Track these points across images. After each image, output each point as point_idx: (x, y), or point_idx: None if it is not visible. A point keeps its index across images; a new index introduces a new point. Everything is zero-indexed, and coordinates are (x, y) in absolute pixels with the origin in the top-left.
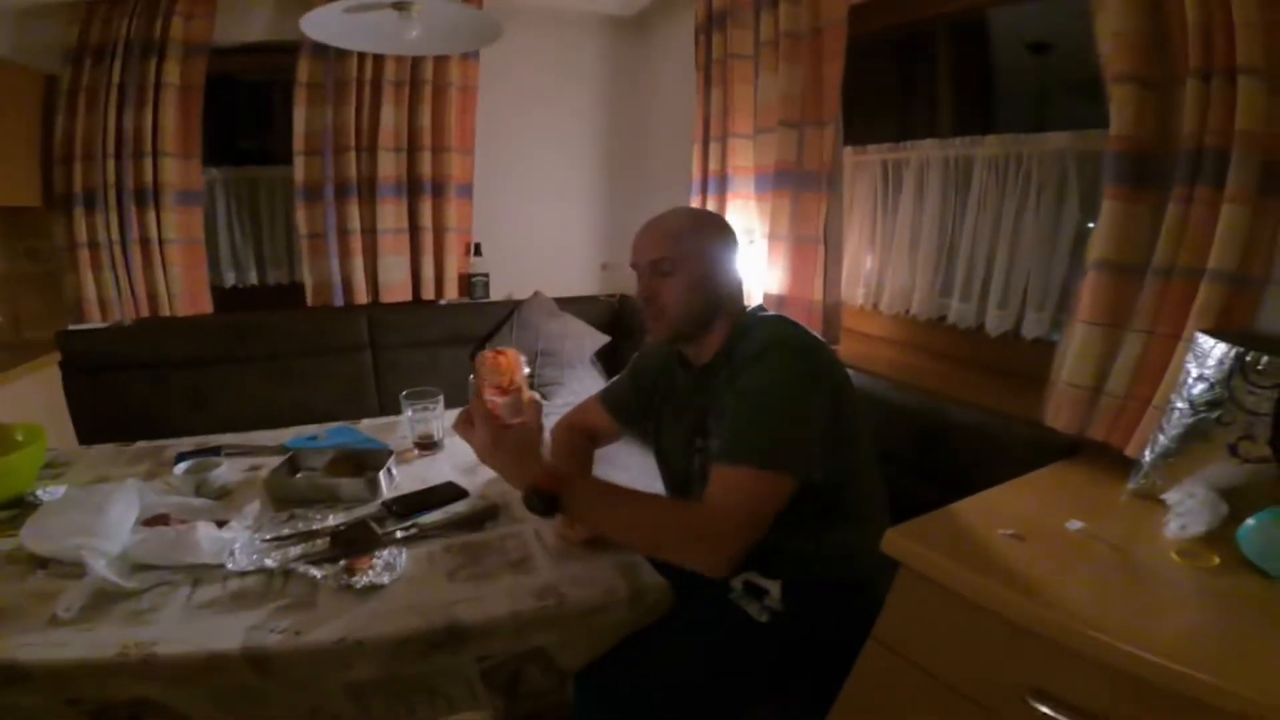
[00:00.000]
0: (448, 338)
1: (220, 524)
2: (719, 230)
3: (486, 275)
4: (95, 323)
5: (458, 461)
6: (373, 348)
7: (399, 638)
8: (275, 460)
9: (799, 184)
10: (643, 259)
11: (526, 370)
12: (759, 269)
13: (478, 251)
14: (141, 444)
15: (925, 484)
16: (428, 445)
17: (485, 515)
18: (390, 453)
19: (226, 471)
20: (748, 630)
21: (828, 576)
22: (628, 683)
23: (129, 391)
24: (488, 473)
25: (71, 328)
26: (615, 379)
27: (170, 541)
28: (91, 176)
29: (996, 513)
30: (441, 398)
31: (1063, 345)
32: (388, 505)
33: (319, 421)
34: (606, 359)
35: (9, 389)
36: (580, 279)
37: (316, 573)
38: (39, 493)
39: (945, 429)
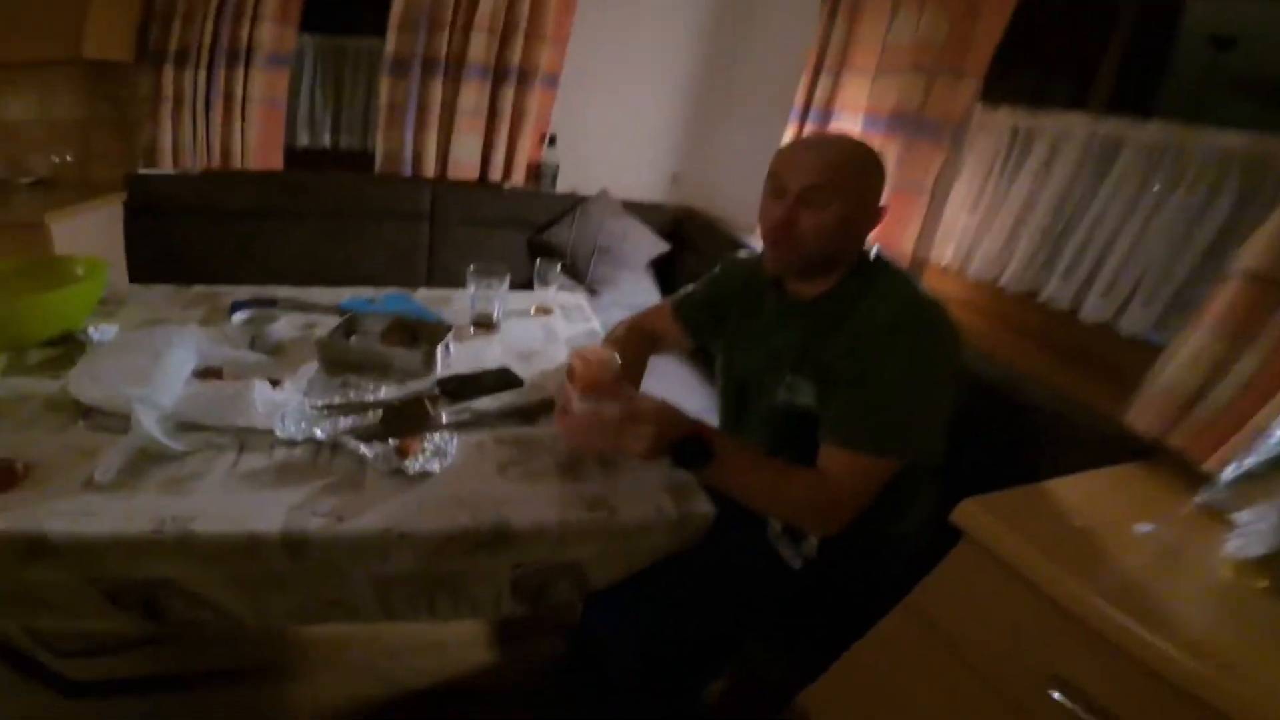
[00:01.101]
0: (506, 220)
1: (274, 383)
2: (879, 172)
3: (557, 166)
4: (166, 170)
5: (512, 346)
6: (431, 220)
7: (445, 534)
8: (330, 320)
9: (915, 131)
10: (794, 181)
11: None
12: None
13: (552, 142)
14: (200, 288)
15: (985, 458)
16: (485, 325)
17: (539, 409)
18: (449, 328)
19: (283, 327)
20: (776, 572)
21: (868, 534)
22: (645, 603)
23: (186, 236)
24: (541, 362)
25: (141, 171)
26: (690, 288)
27: (226, 399)
28: (188, 35)
29: (1068, 502)
30: (508, 278)
31: (1171, 348)
32: (442, 384)
33: (365, 284)
34: (661, 268)
35: (70, 223)
36: (649, 185)
37: (366, 451)
38: (90, 331)
39: (1019, 408)
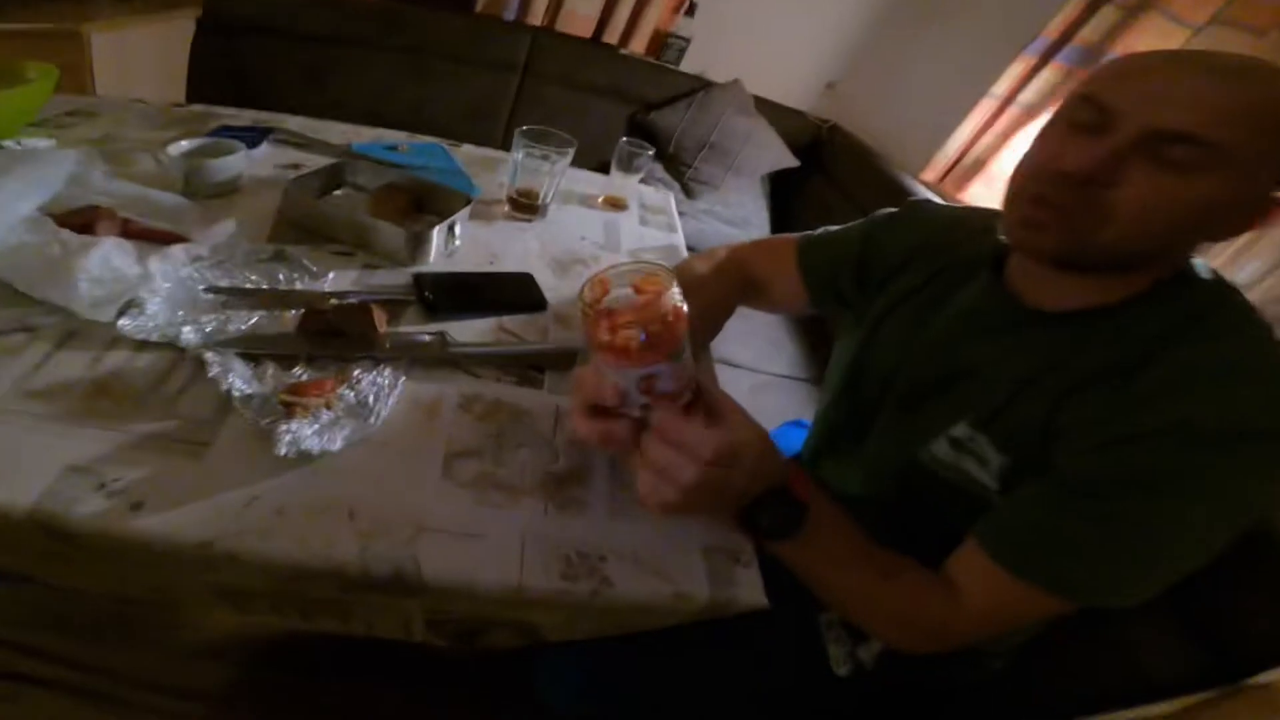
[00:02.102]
0: (612, 90)
1: (170, 241)
2: None
3: (688, 41)
4: None
5: (552, 244)
6: (523, 72)
7: (305, 569)
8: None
9: None
10: (1146, 115)
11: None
12: None
13: (690, 11)
14: (196, 107)
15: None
16: (526, 207)
17: (554, 360)
18: (467, 200)
19: (242, 163)
20: (812, 672)
21: (956, 660)
22: (616, 679)
23: (254, 58)
24: (579, 278)
25: None
26: (830, 230)
27: (49, 260)
28: None
29: None
30: (572, 152)
31: None
32: (420, 282)
33: (432, 133)
34: (780, 187)
35: (116, 34)
36: (794, 88)
37: (241, 384)
38: (13, 143)
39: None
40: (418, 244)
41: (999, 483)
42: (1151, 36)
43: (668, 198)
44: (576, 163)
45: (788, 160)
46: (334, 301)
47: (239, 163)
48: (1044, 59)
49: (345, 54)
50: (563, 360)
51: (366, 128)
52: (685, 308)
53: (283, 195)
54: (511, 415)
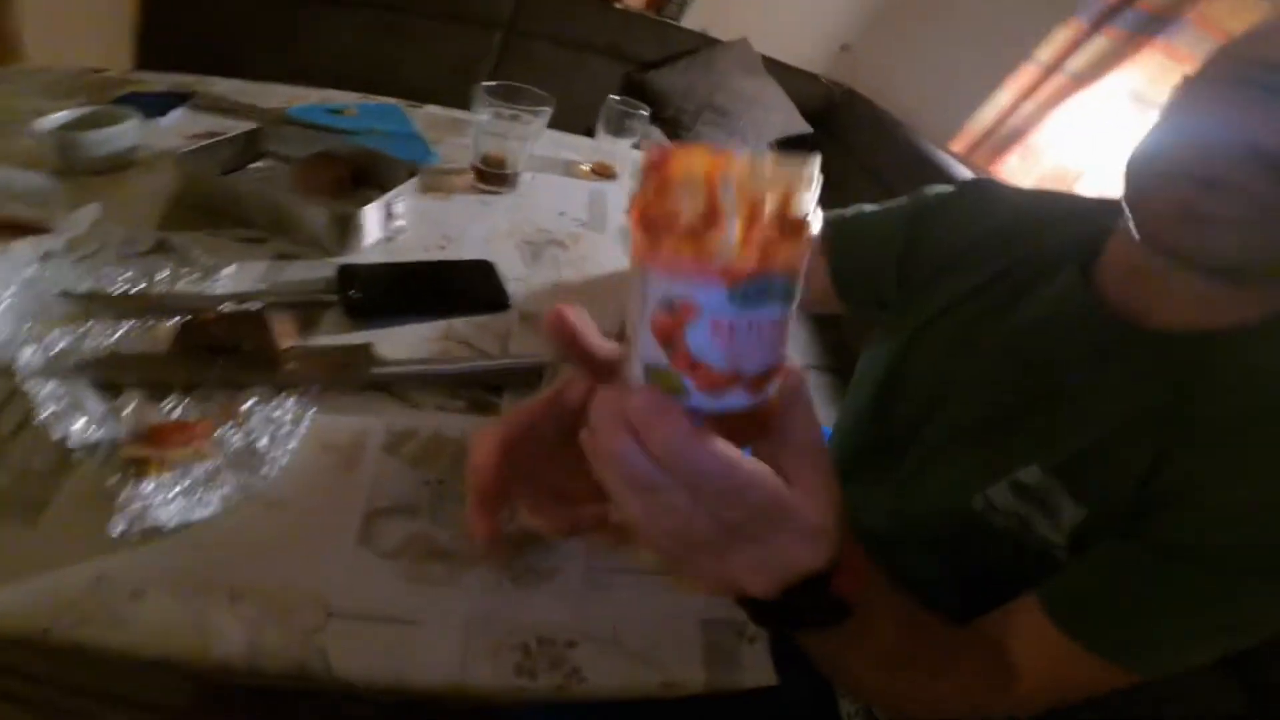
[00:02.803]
0: (606, 47)
1: (27, 233)
2: None
3: None
4: None
5: (524, 222)
6: (509, 29)
7: (167, 663)
8: (280, 127)
9: None
10: None
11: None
12: None
13: None
14: (111, 73)
15: None
16: (493, 177)
17: (517, 378)
18: (413, 171)
19: (133, 134)
20: None
21: None
22: None
23: (211, 19)
24: (564, 264)
25: None
26: (861, 212)
27: None
28: None
29: None
30: (548, 112)
31: None
32: (346, 277)
33: (408, 97)
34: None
35: None
36: (806, 49)
37: (83, 427)
38: None
39: None
40: (345, 227)
41: (1069, 540)
42: (1230, 4)
43: None
44: (565, 128)
45: (797, 125)
46: (226, 307)
47: (128, 134)
48: (1096, 24)
49: (314, 12)
50: (529, 378)
51: (314, 89)
52: (809, 227)
53: (176, 169)
54: (456, 457)
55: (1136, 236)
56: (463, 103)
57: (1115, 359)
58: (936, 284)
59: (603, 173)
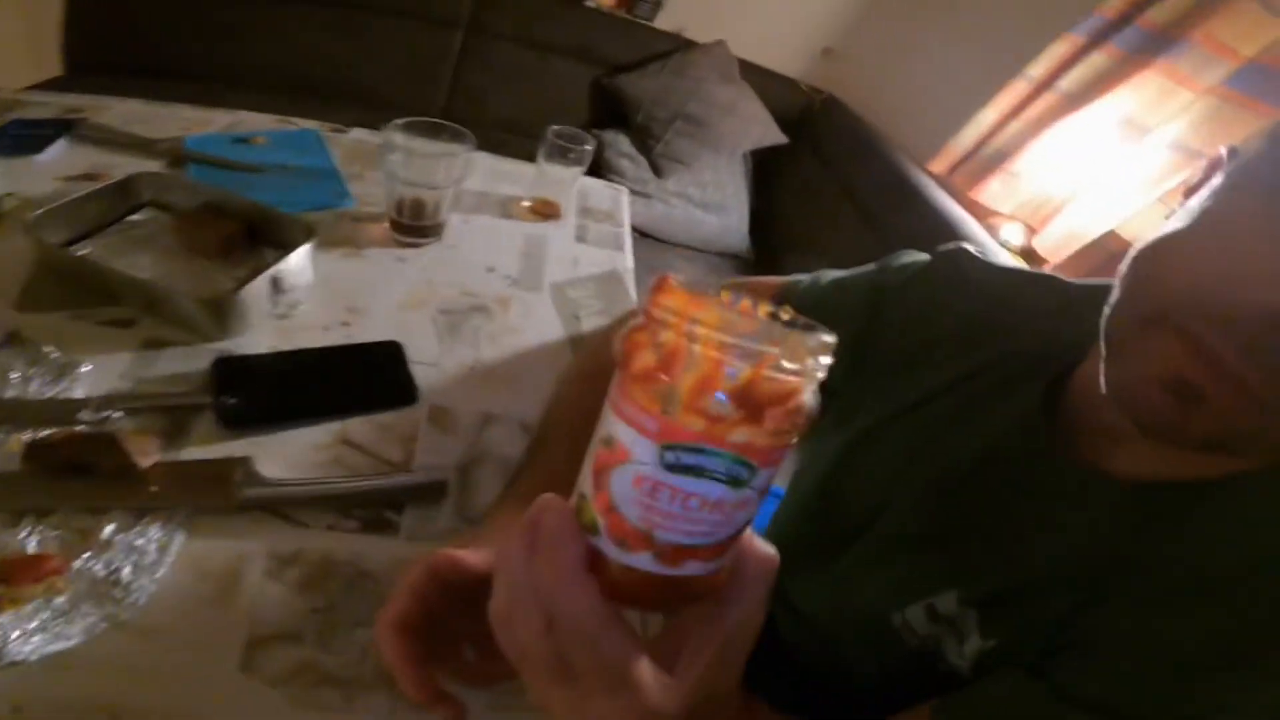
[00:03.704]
0: (572, 48)
1: None
2: None
3: None
4: None
5: (445, 290)
6: (468, 29)
7: None
8: (157, 174)
9: None
10: None
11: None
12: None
13: None
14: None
15: None
16: (412, 230)
17: (420, 493)
18: (309, 232)
19: None
20: None
21: None
22: None
23: (151, 17)
24: (495, 341)
25: None
26: (819, 281)
27: None
28: None
29: None
30: (470, 150)
31: None
32: (220, 377)
33: (366, 101)
34: (762, 167)
35: None
36: (785, 53)
37: None
38: None
39: None
40: (222, 311)
41: (971, 667)
42: (1240, 23)
43: (619, 197)
44: (529, 134)
45: (774, 136)
46: (85, 415)
47: None
48: (1094, 41)
49: (266, 10)
50: (432, 493)
51: (221, 112)
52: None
53: (28, 236)
54: (348, 581)
55: (1103, 388)
56: (422, 106)
57: (1057, 500)
58: (894, 379)
59: (544, 212)
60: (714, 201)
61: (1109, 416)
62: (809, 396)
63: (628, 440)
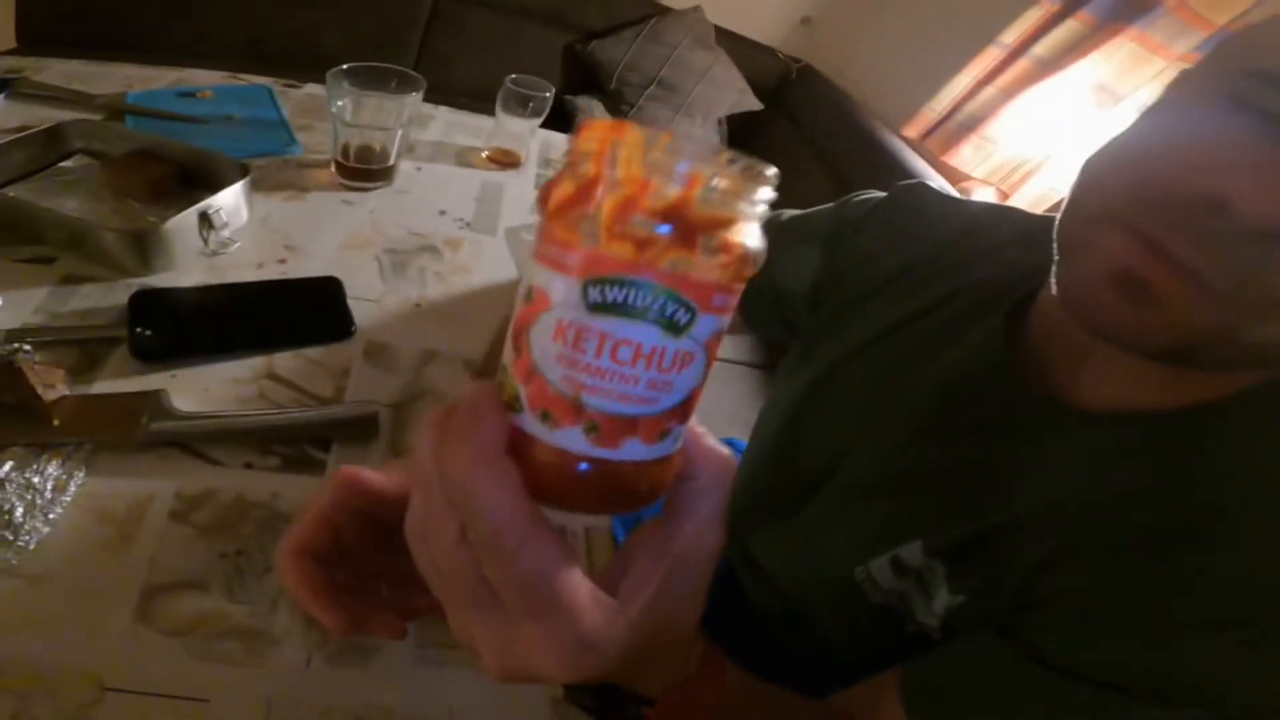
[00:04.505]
0: (545, 13)
1: None
2: None
3: None
4: None
5: (392, 231)
6: None
7: None
8: (87, 121)
9: None
10: None
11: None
12: None
13: None
14: None
15: None
16: (359, 174)
17: (351, 427)
18: (244, 171)
19: None
20: None
21: None
22: None
23: None
24: (444, 284)
25: None
26: (778, 218)
27: None
28: None
29: None
30: (418, 96)
31: None
32: (136, 309)
33: (325, 70)
34: (738, 134)
35: None
36: (763, 21)
37: None
38: None
39: None
40: (146, 244)
41: (941, 625)
42: None
43: None
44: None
45: (749, 102)
46: None
47: None
48: (1068, 7)
49: None
50: (363, 429)
51: (169, 70)
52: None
53: None
54: (262, 523)
55: (1054, 291)
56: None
57: (1022, 435)
58: (858, 312)
59: (503, 160)
60: None
61: (1071, 336)
62: (750, 232)
63: (546, 283)
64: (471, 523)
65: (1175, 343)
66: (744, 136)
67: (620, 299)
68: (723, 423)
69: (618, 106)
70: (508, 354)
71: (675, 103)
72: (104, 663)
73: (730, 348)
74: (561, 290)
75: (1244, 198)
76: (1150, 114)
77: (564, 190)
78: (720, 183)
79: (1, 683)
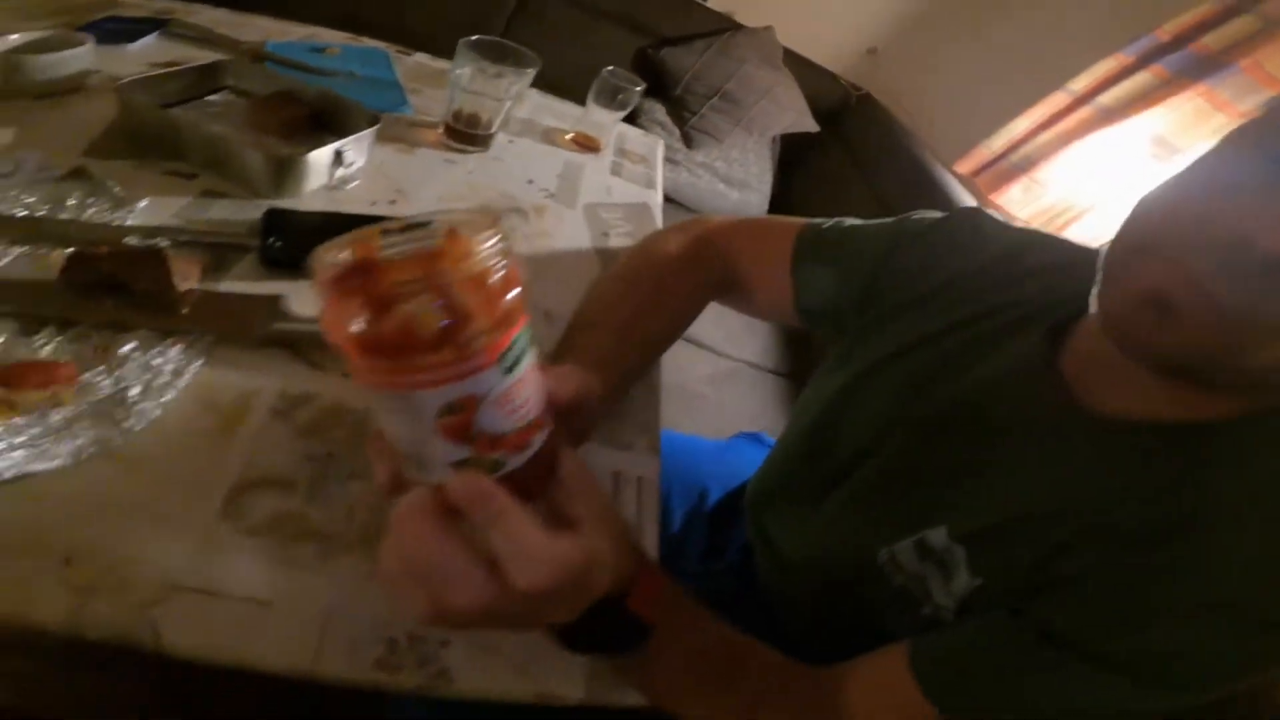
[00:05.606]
0: (623, 15)
1: None
2: None
3: None
4: None
5: (487, 190)
6: None
7: None
8: (238, 61)
9: None
10: None
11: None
12: None
13: None
14: None
15: None
16: (465, 136)
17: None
18: (375, 120)
19: (84, 59)
20: None
21: None
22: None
23: None
24: (527, 234)
25: None
26: (840, 226)
27: None
28: None
29: None
30: (532, 73)
31: None
32: (271, 223)
33: (411, 40)
34: (790, 153)
35: None
36: (831, 48)
37: None
38: None
39: None
40: (283, 169)
41: (957, 606)
42: None
43: (655, 145)
44: (566, 95)
45: (806, 124)
46: (132, 241)
47: (77, 59)
48: (1143, 60)
49: None
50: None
51: (304, 25)
52: (518, 270)
53: (118, 92)
54: (355, 430)
55: (1093, 309)
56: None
57: (1050, 439)
58: (899, 320)
59: (585, 144)
60: (739, 178)
61: (1103, 355)
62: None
63: (470, 389)
64: (514, 557)
65: (1185, 359)
66: (797, 157)
67: (518, 351)
68: (737, 421)
69: (680, 112)
70: (460, 453)
71: (736, 116)
72: (177, 560)
73: (753, 355)
74: (483, 384)
75: (1264, 235)
76: (1201, 161)
77: (430, 328)
78: (491, 248)
79: (69, 572)
